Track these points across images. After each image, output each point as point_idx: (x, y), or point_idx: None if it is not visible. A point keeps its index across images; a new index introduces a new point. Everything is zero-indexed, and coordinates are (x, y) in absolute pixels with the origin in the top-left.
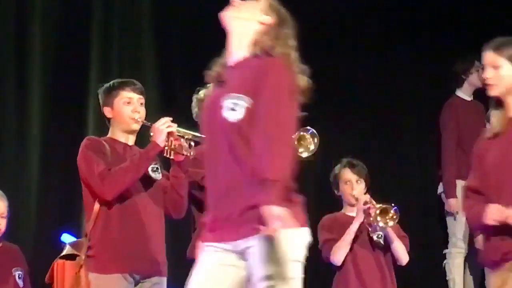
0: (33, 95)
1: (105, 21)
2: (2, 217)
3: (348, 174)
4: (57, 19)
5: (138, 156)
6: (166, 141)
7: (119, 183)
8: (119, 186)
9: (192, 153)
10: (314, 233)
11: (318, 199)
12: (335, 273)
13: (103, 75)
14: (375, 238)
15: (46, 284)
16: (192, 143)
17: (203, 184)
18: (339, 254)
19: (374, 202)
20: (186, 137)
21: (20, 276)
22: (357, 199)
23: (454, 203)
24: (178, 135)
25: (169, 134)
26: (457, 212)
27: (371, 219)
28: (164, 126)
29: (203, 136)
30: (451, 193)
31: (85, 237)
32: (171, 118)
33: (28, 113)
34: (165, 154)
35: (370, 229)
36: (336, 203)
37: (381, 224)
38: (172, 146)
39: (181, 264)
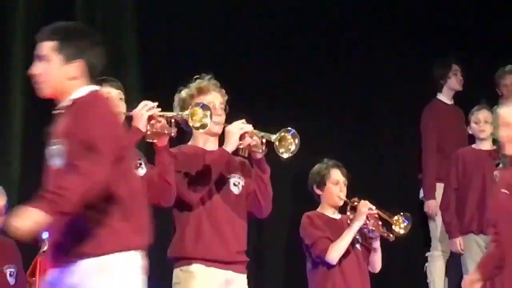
0: (16, 95)
1: (88, 17)
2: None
3: (338, 175)
4: (40, 14)
5: None
6: (148, 125)
7: None
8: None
9: (174, 132)
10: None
11: (296, 198)
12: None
13: None
14: (357, 244)
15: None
16: (173, 120)
17: (184, 184)
18: (336, 253)
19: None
20: (166, 116)
21: (11, 273)
22: (343, 201)
23: (433, 205)
24: (159, 115)
25: (150, 117)
26: (436, 214)
27: (370, 224)
28: (144, 110)
29: (184, 114)
30: (430, 195)
31: None
32: (149, 102)
33: (10, 112)
34: (147, 139)
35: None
36: (308, 202)
37: (396, 230)
38: (154, 129)
39: (161, 264)
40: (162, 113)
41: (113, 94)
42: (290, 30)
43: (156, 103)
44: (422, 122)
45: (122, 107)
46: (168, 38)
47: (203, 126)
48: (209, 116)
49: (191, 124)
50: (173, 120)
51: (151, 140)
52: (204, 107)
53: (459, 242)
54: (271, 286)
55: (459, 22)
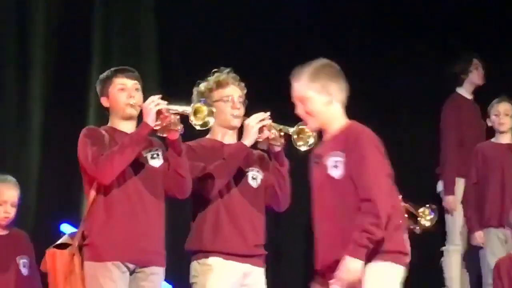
0: (35, 86)
1: (106, 13)
2: (12, 205)
3: None
4: (59, 10)
5: (129, 138)
6: (157, 120)
7: (112, 165)
8: (112, 168)
9: (180, 128)
10: None
11: None
12: None
13: (104, 67)
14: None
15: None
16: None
17: (201, 176)
18: None
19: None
20: (176, 112)
21: (25, 264)
22: None
23: (452, 200)
24: (169, 111)
25: (159, 112)
26: (454, 209)
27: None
28: (153, 104)
29: (187, 109)
30: (449, 190)
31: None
32: (160, 96)
33: (29, 106)
34: (158, 134)
35: None
36: None
37: (422, 222)
38: (164, 124)
39: (179, 256)
40: (169, 108)
41: (129, 85)
42: (309, 26)
43: (166, 102)
44: (443, 116)
45: (138, 97)
46: (187, 30)
47: (205, 124)
48: (211, 115)
49: (193, 122)
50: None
51: (161, 135)
52: (207, 104)
53: (479, 236)
54: (290, 279)
55: (480, 16)
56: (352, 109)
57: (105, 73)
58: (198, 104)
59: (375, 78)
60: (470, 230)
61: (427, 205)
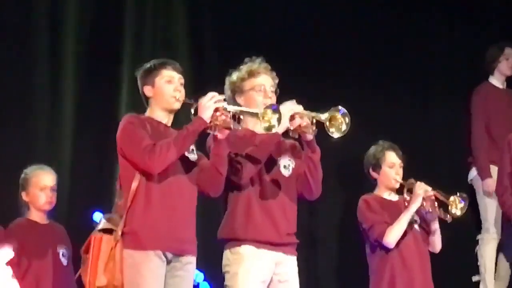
0: (67, 78)
1: (138, 3)
2: (53, 189)
3: (393, 158)
4: (91, 2)
5: (185, 132)
6: (212, 117)
7: (165, 157)
8: (164, 160)
9: (233, 126)
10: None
11: (348, 180)
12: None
13: (136, 56)
14: (415, 225)
15: (78, 258)
16: (241, 117)
17: (233, 163)
18: (394, 237)
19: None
20: (234, 111)
21: (64, 254)
22: (399, 183)
23: (491, 183)
24: (224, 109)
25: (216, 109)
26: (494, 192)
27: (428, 205)
28: (212, 101)
29: (252, 111)
30: (486, 174)
31: (119, 213)
32: (217, 94)
33: (61, 93)
34: (209, 130)
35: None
36: (360, 184)
37: (453, 211)
38: (218, 122)
39: (210, 244)
40: (229, 108)
41: (176, 78)
42: (341, 11)
43: (223, 96)
44: (472, 104)
45: (182, 93)
46: (218, 20)
47: (271, 127)
48: (276, 119)
49: (261, 125)
50: (241, 116)
51: (212, 132)
52: (275, 110)
53: None
54: (322, 268)
55: None
56: (386, 98)
57: (151, 63)
58: (267, 110)
59: (412, 61)
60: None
61: (458, 194)
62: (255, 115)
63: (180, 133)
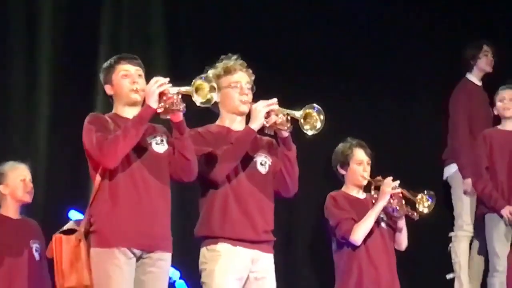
0: (43, 74)
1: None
2: (31, 181)
3: (361, 155)
4: None
5: (132, 121)
6: (160, 102)
7: (116, 149)
8: (115, 152)
9: (182, 108)
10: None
11: (326, 177)
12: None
13: (112, 53)
14: (382, 222)
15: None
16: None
17: (209, 161)
18: (360, 234)
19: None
20: (178, 92)
21: (37, 249)
22: (367, 181)
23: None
24: (171, 92)
25: (162, 94)
26: (473, 192)
27: (394, 203)
28: (155, 86)
29: (187, 88)
30: (467, 173)
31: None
32: (161, 78)
33: (37, 94)
34: (161, 116)
35: (384, 212)
36: (337, 181)
37: (420, 208)
38: (167, 106)
39: (187, 242)
40: (171, 89)
41: (132, 71)
42: (317, 7)
43: (168, 79)
44: (452, 101)
45: (141, 83)
46: (195, 16)
47: (208, 101)
48: (215, 93)
49: (195, 99)
50: (180, 96)
51: (165, 117)
52: (207, 79)
53: (508, 210)
54: (299, 266)
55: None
56: (362, 94)
57: (108, 61)
58: (199, 81)
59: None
60: (496, 209)
61: (425, 192)
62: (190, 92)
63: (128, 124)
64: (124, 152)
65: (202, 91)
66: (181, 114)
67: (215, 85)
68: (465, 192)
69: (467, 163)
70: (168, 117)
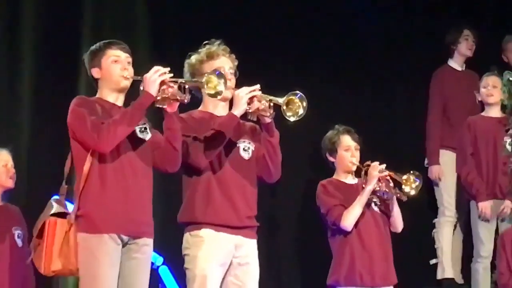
0: (25, 57)
1: None
2: (12, 167)
3: (348, 141)
4: None
5: (131, 107)
6: (159, 91)
7: (115, 134)
8: (114, 137)
9: (187, 98)
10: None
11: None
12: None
13: (95, 38)
14: (375, 206)
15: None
16: (187, 87)
17: (191, 147)
18: (350, 220)
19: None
20: (180, 82)
21: (19, 235)
22: (356, 166)
23: (437, 170)
24: (171, 81)
25: (162, 83)
26: (439, 180)
27: (383, 186)
28: (157, 75)
29: (197, 79)
30: (434, 161)
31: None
32: (161, 67)
33: (18, 79)
34: (157, 105)
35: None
36: (321, 168)
37: (407, 190)
38: (165, 95)
39: (169, 227)
40: (175, 79)
41: (122, 57)
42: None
43: (168, 69)
44: (430, 87)
45: (130, 71)
46: (178, 3)
47: (218, 93)
48: (222, 83)
49: (206, 92)
50: (186, 86)
51: (160, 106)
52: (220, 75)
53: (484, 206)
54: (282, 251)
55: None
56: (345, 82)
57: (97, 45)
58: (210, 76)
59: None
60: (478, 199)
61: (411, 172)
62: (199, 83)
63: (128, 109)
64: (122, 137)
65: (211, 83)
66: (177, 105)
67: (222, 80)
68: (432, 180)
69: (434, 151)
70: (164, 106)
